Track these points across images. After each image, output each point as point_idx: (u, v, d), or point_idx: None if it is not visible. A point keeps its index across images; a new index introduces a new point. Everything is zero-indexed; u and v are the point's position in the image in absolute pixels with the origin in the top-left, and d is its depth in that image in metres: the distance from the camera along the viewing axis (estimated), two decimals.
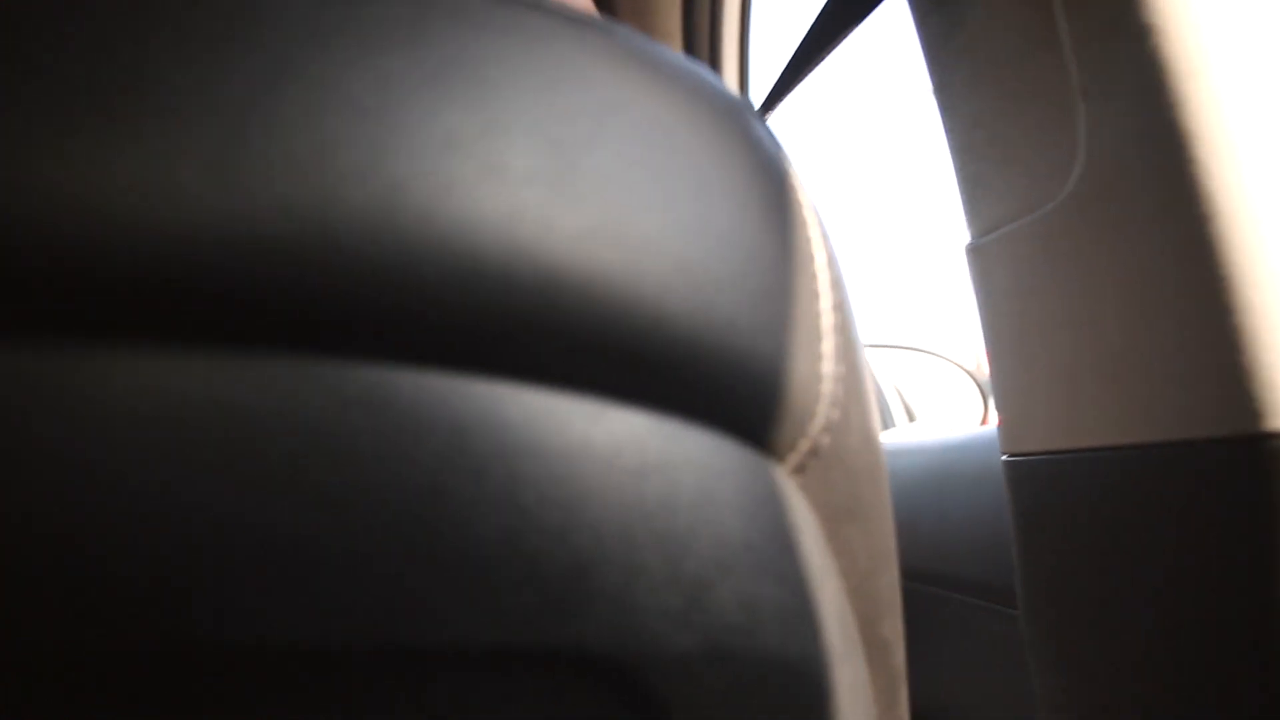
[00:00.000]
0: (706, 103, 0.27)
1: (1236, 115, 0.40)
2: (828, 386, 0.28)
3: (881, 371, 2.32)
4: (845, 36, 0.59)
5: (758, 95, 1.27)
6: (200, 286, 0.21)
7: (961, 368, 2.24)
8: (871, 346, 2.29)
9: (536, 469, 0.22)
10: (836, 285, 0.29)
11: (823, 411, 0.28)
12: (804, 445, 0.28)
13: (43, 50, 0.22)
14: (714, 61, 1.25)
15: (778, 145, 0.29)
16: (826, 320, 0.28)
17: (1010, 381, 0.53)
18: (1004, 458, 0.54)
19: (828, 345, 0.28)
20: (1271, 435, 0.40)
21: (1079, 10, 0.44)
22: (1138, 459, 0.45)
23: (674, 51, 0.28)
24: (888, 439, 1.21)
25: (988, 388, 2.10)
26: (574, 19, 0.25)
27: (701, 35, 1.19)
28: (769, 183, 0.27)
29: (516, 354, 0.23)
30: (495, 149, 0.22)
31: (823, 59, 0.62)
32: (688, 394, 0.25)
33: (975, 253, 0.55)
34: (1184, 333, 0.41)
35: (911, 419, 2.27)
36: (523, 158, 0.22)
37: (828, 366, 0.28)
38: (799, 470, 0.28)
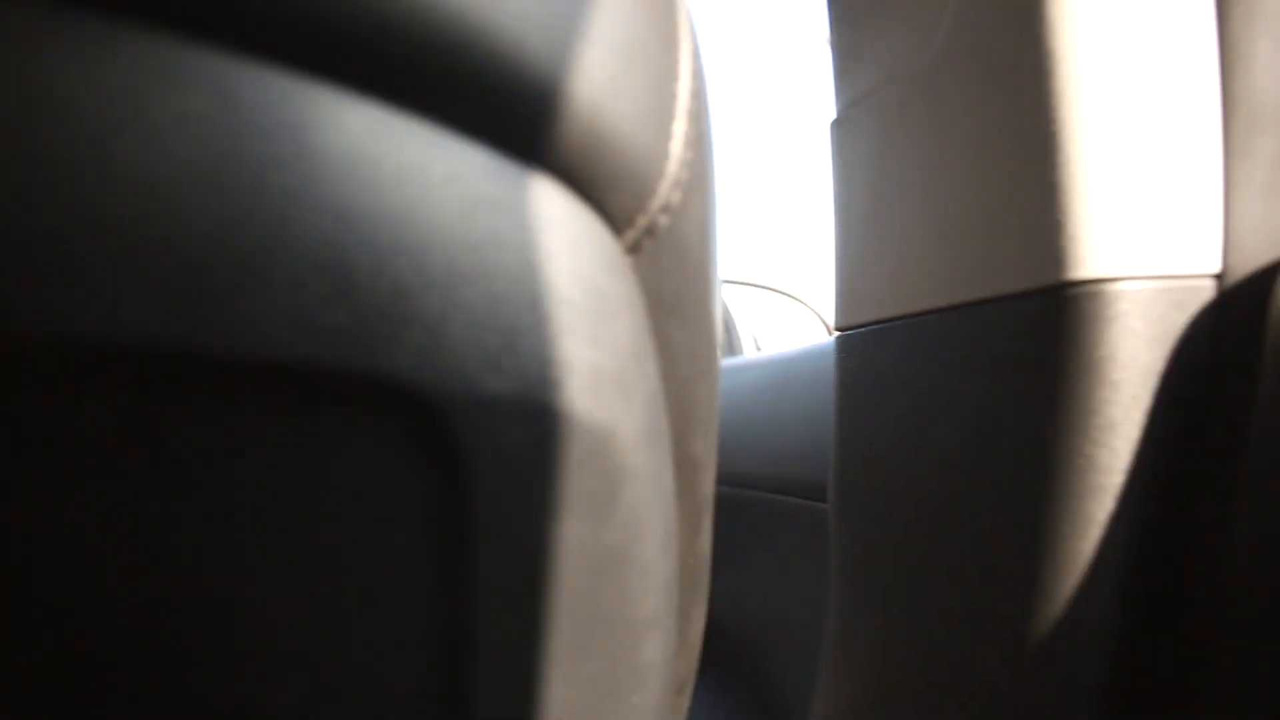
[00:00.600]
0: None
1: None
2: (673, 167, 0.28)
3: (737, 308, 2.36)
4: None
5: None
6: None
7: (818, 314, 2.30)
8: (730, 282, 2.32)
9: (367, 179, 0.22)
10: (697, 76, 0.29)
11: (664, 191, 0.28)
12: (641, 221, 0.28)
13: None
14: None
15: None
16: (682, 103, 0.28)
17: (853, 256, 0.54)
18: (835, 334, 0.56)
19: (679, 126, 0.28)
20: (1069, 284, 0.42)
21: None
22: (954, 319, 0.47)
23: None
24: (732, 360, 1.24)
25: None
26: None
27: None
28: None
29: (366, 64, 0.22)
30: None
31: None
32: (531, 136, 0.24)
33: (838, 126, 0.56)
34: (1013, 191, 0.43)
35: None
36: None
37: (676, 147, 0.28)
38: (633, 249, 0.28)
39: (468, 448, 0.24)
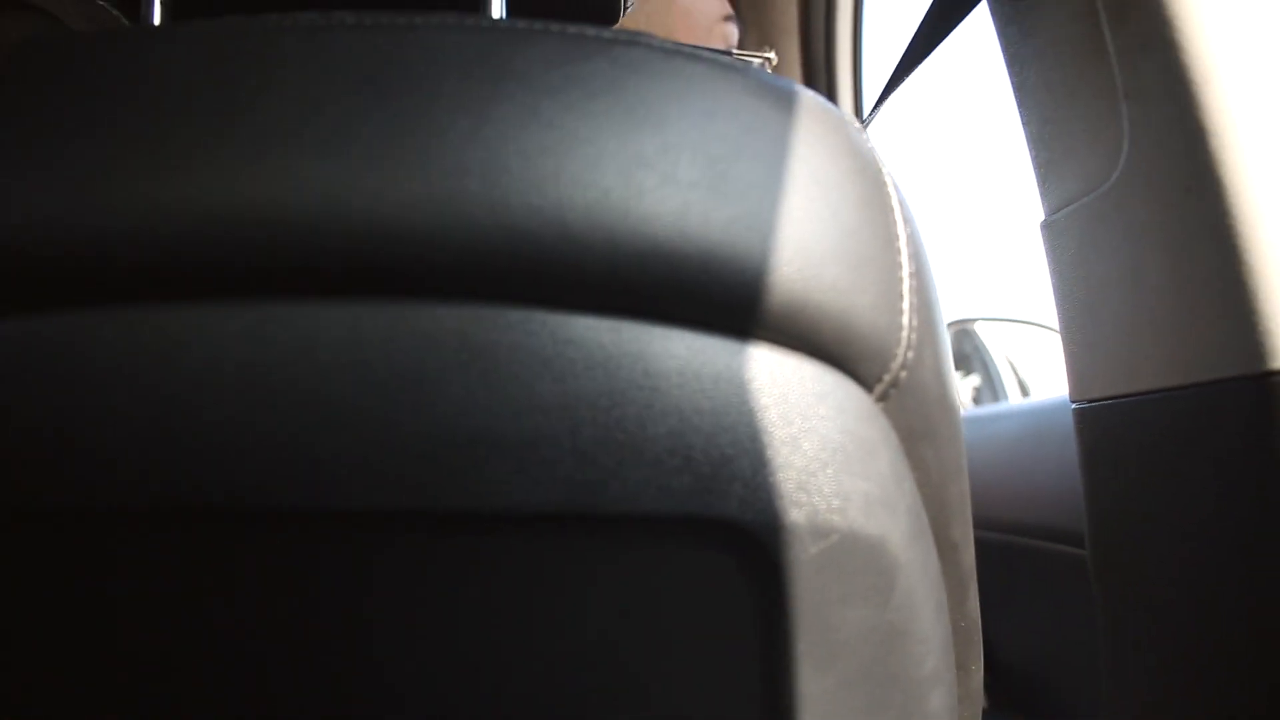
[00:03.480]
0: (819, 121, 0.36)
1: (1243, 114, 0.48)
2: (905, 334, 0.36)
3: (994, 345, 2.34)
4: (939, 44, 0.67)
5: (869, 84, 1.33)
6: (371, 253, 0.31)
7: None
8: (986, 320, 2.30)
9: (696, 386, 0.32)
10: (915, 258, 0.38)
11: (901, 353, 0.36)
12: (887, 378, 0.37)
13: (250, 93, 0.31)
14: (829, 60, 1.32)
15: (874, 150, 0.38)
16: (906, 285, 0.37)
17: (1077, 337, 0.60)
18: (1072, 406, 0.62)
19: (906, 304, 0.37)
20: (1272, 373, 0.47)
21: (1120, 27, 0.52)
22: (1182, 398, 0.53)
23: (794, 82, 0.37)
24: (992, 407, 1.27)
25: None
26: (723, 64, 0.35)
27: (817, 32, 1.27)
28: (866, 181, 0.36)
29: (681, 309, 0.32)
30: (670, 164, 0.32)
31: (919, 65, 0.70)
32: (803, 337, 0.34)
33: (1048, 228, 0.63)
34: (1209, 287, 0.49)
35: (1025, 391, 2.28)
36: (689, 170, 0.32)
37: (906, 319, 0.36)
38: (883, 398, 0.37)
39: (777, 561, 0.34)
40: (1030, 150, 0.62)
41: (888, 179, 0.38)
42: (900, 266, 0.37)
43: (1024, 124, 0.62)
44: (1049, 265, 0.63)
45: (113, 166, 0.31)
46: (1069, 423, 1.02)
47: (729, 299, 0.33)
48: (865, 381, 0.36)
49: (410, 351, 0.31)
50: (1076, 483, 0.90)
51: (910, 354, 0.37)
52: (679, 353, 0.32)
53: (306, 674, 0.34)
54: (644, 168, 0.32)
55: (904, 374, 0.37)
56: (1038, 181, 0.63)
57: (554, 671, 0.35)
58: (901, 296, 0.37)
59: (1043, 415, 1.08)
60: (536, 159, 0.31)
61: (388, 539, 0.33)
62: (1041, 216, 0.64)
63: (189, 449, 0.30)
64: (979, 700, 0.50)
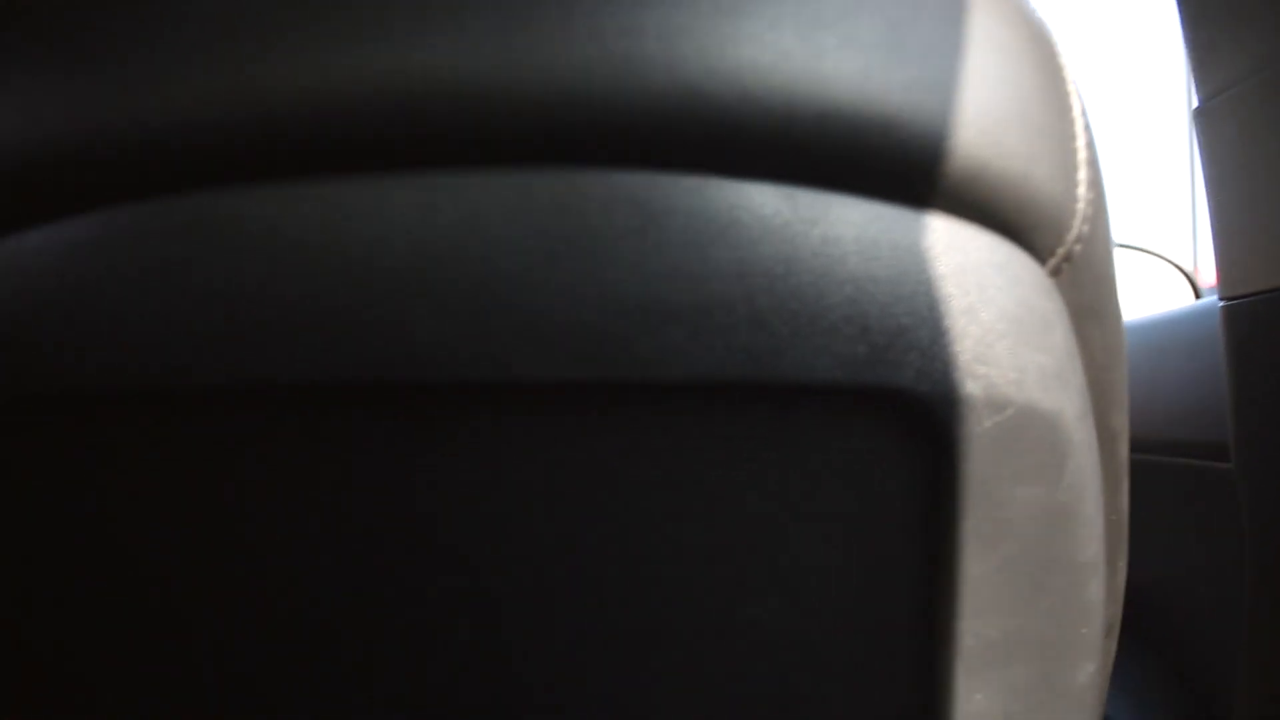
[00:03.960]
0: None
1: None
2: (1081, 206, 0.35)
3: None
4: None
5: None
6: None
7: (1178, 267, 2.17)
8: None
9: (873, 254, 0.31)
10: (1088, 131, 0.37)
11: (1076, 225, 0.35)
12: (1061, 251, 0.36)
13: None
14: None
15: (1045, 23, 0.37)
16: (1082, 155, 0.36)
17: (1232, 229, 0.58)
18: (1222, 304, 0.60)
19: (1082, 174, 0.36)
20: None
21: None
22: None
23: None
24: None
25: (1204, 289, 2.04)
26: None
27: None
28: (1041, 51, 0.35)
29: (858, 175, 0.32)
30: (850, 26, 0.31)
31: None
32: (981, 204, 0.33)
33: (1203, 115, 0.60)
34: None
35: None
36: (869, 32, 0.31)
37: (1082, 190, 0.35)
38: (1056, 272, 0.36)
39: (952, 435, 0.33)
40: (1184, 31, 0.59)
41: (1059, 48, 0.37)
42: (1075, 137, 0.36)
43: (1179, 2, 0.59)
44: (1202, 154, 0.60)
45: (277, 39, 0.31)
46: (1190, 334, 1.00)
47: (908, 164, 0.32)
48: (1039, 254, 0.35)
49: (583, 218, 0.30)
50: (1207, 393, 0.87)
51: (1085, 227, 0.35)
52: (856, 220, 0.32)
53: (474, 548, 0.34)
54: (824, 29, 0.31)
55: (1078, 247, 0.36)
56: (1192, 65, 0.59)
57: (713, 550, 0.35)
58: (1077, 167, 0.36)
59: (1162, 328, 1.05)
60: (714, 19, 0.31)
61: (560, 412, 0.33)
62: (1195, 103, 0.61)
63: (362, 323, 0.31)
64: (1120, 599, 0.49)
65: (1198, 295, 2.06)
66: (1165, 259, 2.19)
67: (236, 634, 0.36)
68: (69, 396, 0.33)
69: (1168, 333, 1.00)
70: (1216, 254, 0.61)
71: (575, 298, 0.30)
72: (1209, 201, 0.60)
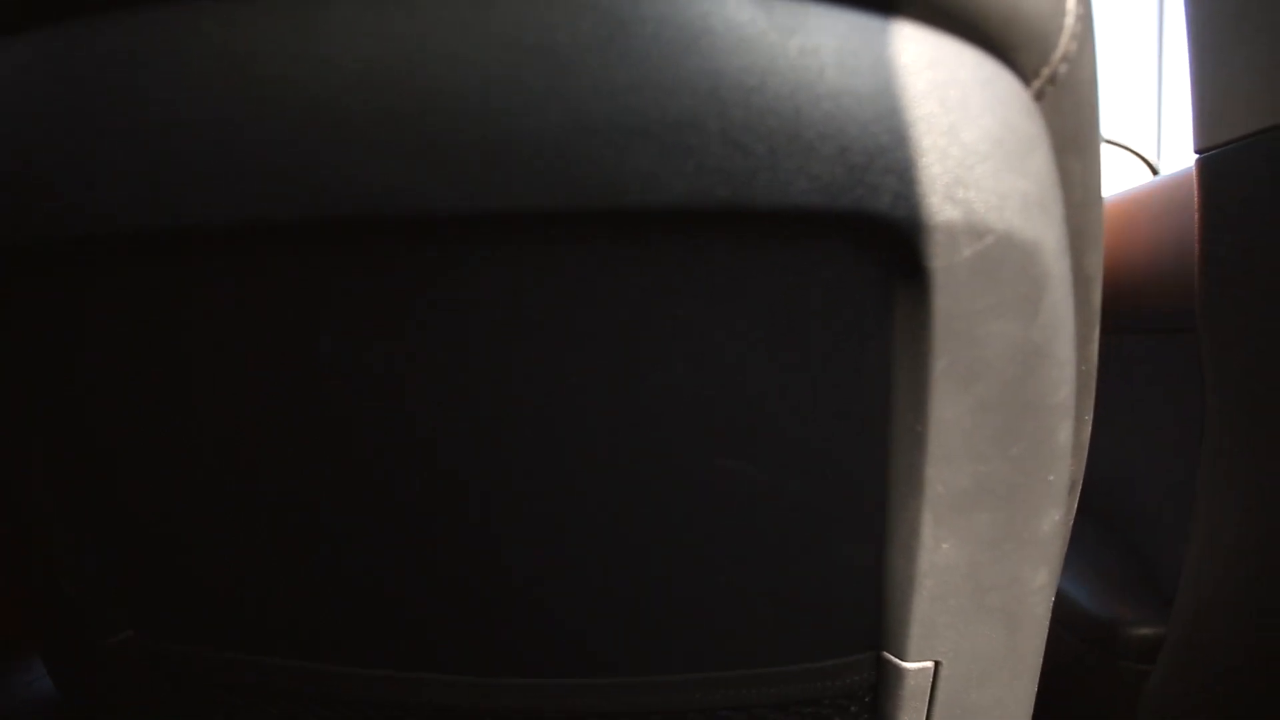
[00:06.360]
0: None
1: None
2: (1069, 21, 0.33)
3: None
4: None
5: None
6: None
7: (1141, 157, 2.17)
8: None
9: (853, 67, 0.30)
10: None
11: (1063, 43, 0.34)
12: (1045, 72, 0.34)
13: None
14: None
15: None
16: None
17: (1213, 74, 0.56)
18: (1196, 156, 0.58)
19: None
20: None
21: None
22: None
23: None
24: None
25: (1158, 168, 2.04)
26: None
27: None
28: None
29: None
30: None
31: None
32: (967, 17, 0.31)
33: None
34: None
35: None
36: None
37: (1071, 4, 0.33)
38: (1039, 96, 0.34)
39: (928, 264, 0.32)
40: None
41: None
42: None
43: None
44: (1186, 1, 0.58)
45: None
46: (1155, 207, 0.99)
47: None
48: (1024, 73, 0.33)
49: (547, 29, 0.28)
50: (1176, 263, 0.87)
51: (1073, 45, 0.34)
52: (835, 30, 0.30)
53: (455, 384, 0.33)
54: None
55: (1063, 68, 0.34)
56: None
57: (684, 391, 0.34)
58: None
59: (1127, 203, 1.04)
60: None
61: (524, 243, 0.31)
62: None
63: (307, 153, 0.28)
64: (1084, 456, 0.49)
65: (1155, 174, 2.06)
66: (1127, 148, 2.18)
67: (203, 487, 0.35)
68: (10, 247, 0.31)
69: (1138, 207, 0.99)
70: (1194, 105, 0.59)
71: (538, 116, 0.28)
72: (1189, 50, 0.59)
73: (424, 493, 0.35)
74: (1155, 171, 2.13)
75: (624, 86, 0.28)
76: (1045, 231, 0.33)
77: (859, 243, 0.31)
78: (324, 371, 0.33)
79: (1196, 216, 0.59)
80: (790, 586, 0.38)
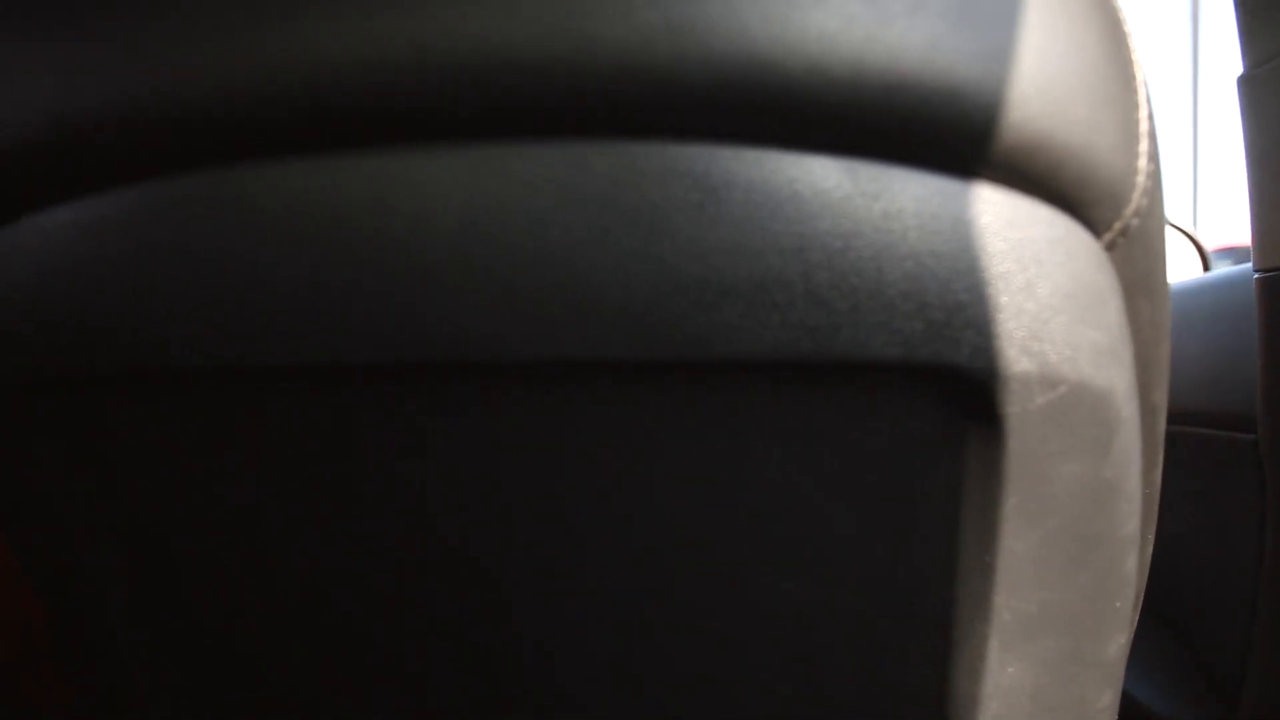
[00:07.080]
0: None
1: None
2: (1141, 179, 0.35)
3: None
4: None
5: None
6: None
7: (1186, 234, 2.16)
8: None
9: (933, 229, 0.31)
10: (1149, 103, 0.36)
11: (1135, 199, 0.35)
12: (1118, 225, 0.35)
13: None
14: None
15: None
16: (1143, 127, 0.35)
17: (1271, 199, 0.57)
18: (1256, 275, 0.59)
19: (1143, 146, 0.35)
20: None
21: None
22: None
23: None
24: None
25: (1209, 253, 2.02)
26: None
27: None
28: (1107, 18, 0.34)
29: (920, 147, 0.31)
30: None
31: None
32: (1042, 177, 0.32)
33: (1247, 83, 0.59)
34: None
35: None
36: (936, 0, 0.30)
37: (1142, 163, 0.35)
38: (1111, 247, 0.35)
39: (1003, 412, 0.33)
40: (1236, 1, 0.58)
41: (1123, 14, 0.36)
42: (1138, 108, 0.35)
43: None
44: (1244, 123, 0.59)
45: (315, 3, 0.30)
46: (1214, 304, 0.99)
47: (972, 135, 0.31)
48: (1096, 227, 0.34)
49: (639, 192, 0.30)
50: (1230, 363, 0.87)
51: (1144, 200, 0.35)
52: (916, 193, 0.31)
53: (526, 518, 0.34)
54: None
55: (1135, 221, 0.35)
56: (1240, 32, 0.58)
57: (759, 527, 0.35)
58: (1139, 139, 0.35)
59: (1185, 298, 1.04)
60: None
61: (608, 391, 0.32)
62: (1240, 70, 0.60)
63: (404, 304, 0.30)
64: (1147, 573, 0.49)
65: (1206, 263, 2.05)
66: (1173, 225, 2.17)
67: (255, 605, 0.36)
68: (95, 379, 0.32)
69: (1192, 302, 0.99)
70: (1253, 224, 0.60)
71: (628, 275, 0.29)
72: (1248, 169, 0.60)
73: (501, 655, 0.36)
74: (1201, 251, 2.12)
75: (712, 249, 0.29)
76: (1117, 378, 0.34)
77: (935, 390, 0.32)
78: (399, 505, 0.34)
79: (1259, 331, 0.60)
80: (854, 713, 0.39)
